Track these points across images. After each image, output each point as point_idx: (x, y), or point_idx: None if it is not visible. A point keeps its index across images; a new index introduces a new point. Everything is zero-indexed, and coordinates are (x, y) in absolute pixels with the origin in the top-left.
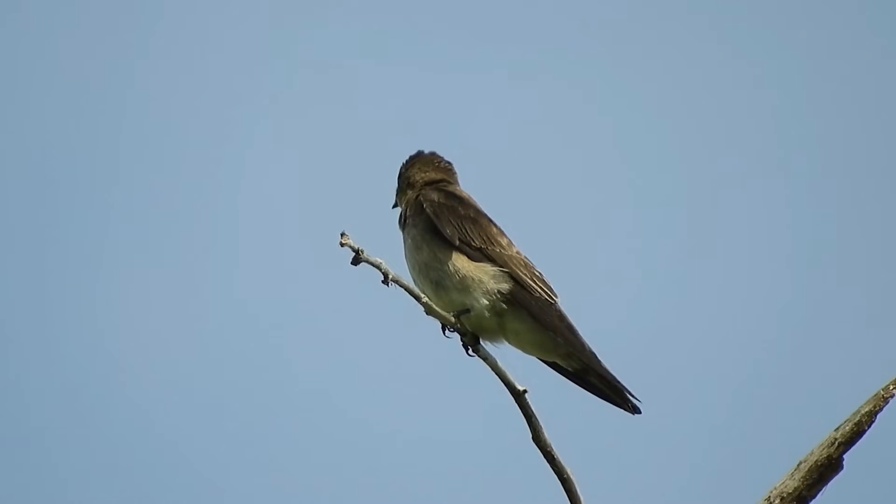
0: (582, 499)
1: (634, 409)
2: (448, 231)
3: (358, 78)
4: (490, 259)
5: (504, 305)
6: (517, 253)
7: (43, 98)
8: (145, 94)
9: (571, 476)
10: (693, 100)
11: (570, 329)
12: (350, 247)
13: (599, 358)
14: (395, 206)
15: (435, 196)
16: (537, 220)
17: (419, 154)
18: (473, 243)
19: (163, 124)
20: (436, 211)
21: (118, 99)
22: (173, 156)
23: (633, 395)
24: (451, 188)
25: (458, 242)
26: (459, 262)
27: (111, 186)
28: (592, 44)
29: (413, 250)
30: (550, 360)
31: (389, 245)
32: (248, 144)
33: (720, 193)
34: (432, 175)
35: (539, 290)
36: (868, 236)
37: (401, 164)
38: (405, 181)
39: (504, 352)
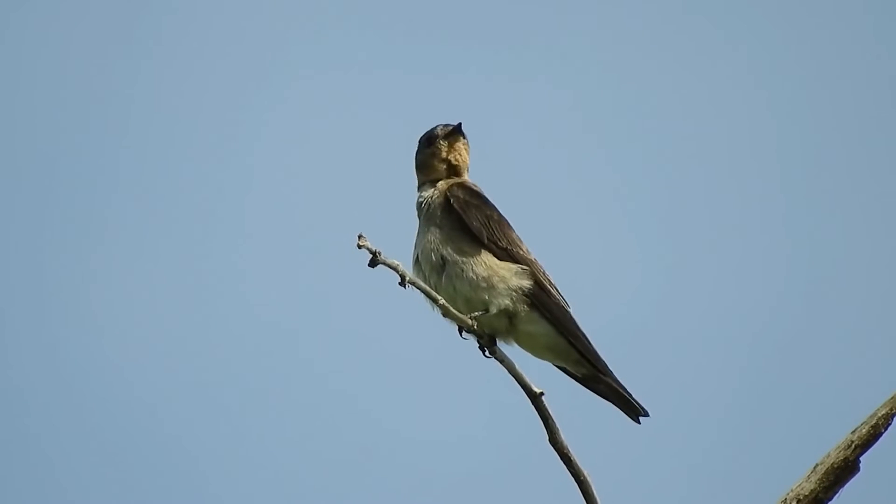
0: (599, 501)
1: (637, 417)
2: (476, 226)
3: (359, 80)
4: (514, 260)
5: (522, 305)
6: (535, 259)
7: (48, 97)
8: (149, 96)
9: (588, 478)
10: (686, 97)
11: (585, 336)
12: (367, 249)
13: (610, 368)
14: (434, 138)
15: (461, 193)
16: (532, 222)
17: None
18: (500, 243)
19: (167, 125)
20: (463, 207)
21: (122, 100)
22: (177, 157)
23: (640, 405)
24: (475, 188)
25: (486, 240)
26: (487, 259)
27: (115, 186)
28: (583, 45)
29: (437, 245)
30: (560, 364)
31: (401, 246)
32: (253, 146)
33: (716, 192)
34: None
35: (556, 294)
36: (883, 230)
37: (461, 126)
38: (459, 147)
39: (521, 354)
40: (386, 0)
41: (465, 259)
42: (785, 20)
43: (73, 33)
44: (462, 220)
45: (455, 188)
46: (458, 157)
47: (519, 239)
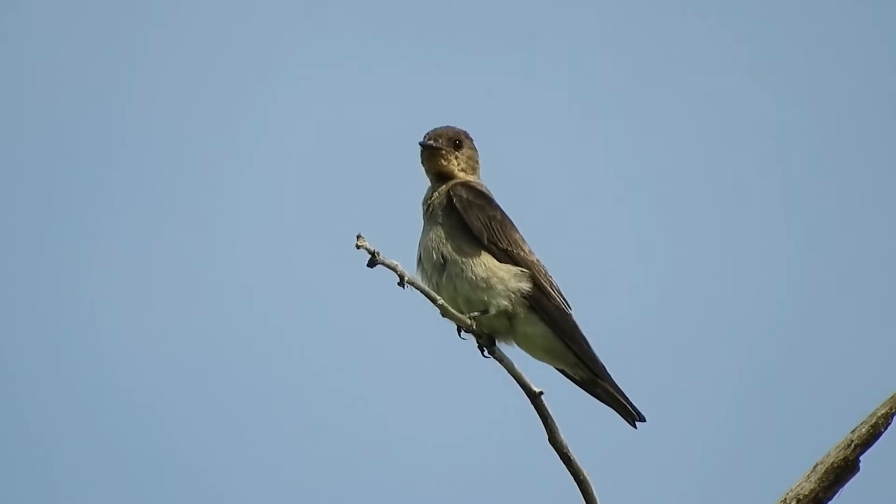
0: (598, 500)
1: (634, 423)
2: (476, 227)
3: (358, 78)
4: (514, 262)
5: (521, 307)
6: (538, 261)
7: (48, 94)
8: (149, 94)
9: (588, 477)
10: (686, 96)
11: (584, 340)
12: (366, 249)
13: (608, 372)
14: (429, 145)
15: (464, 193)
16: (531, 222)
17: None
18: (500, 244)
19: (167, 124)
20: (465, 207)
21: (122, 99)
22: (176, 156)
23: (637, 411)
24: (480, 188)
25: (486, 241)
26: (486, 260)
27: (114, 186)
28: (582, 44)
29: (438, 244)
30: (559, 367)
31: (400, 246)
32: (253, 145)
33: (717, 193)
34: (475, 175)
35: (556, 296)
36: (881, 230)
37: (462, 130)
38: (464, 150)
39: (520, 354)
40: None
41: (464, 259)
42: (785, 19)
43: (73, 30)
44: (463, 219)
45: (459, 187)
46: (426, 165)
47: (522, 239)
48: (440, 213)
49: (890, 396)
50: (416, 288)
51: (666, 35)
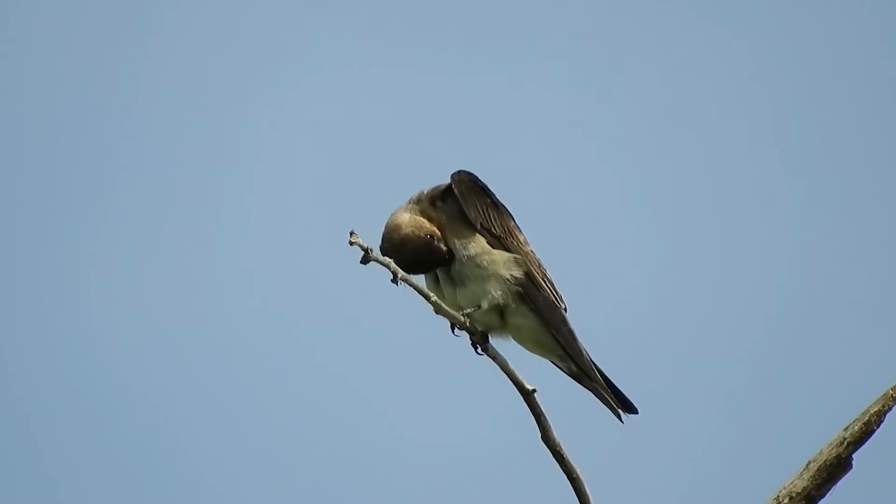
0: (591, 498)
1: (620, 417)
2: (472, 213)
3: (358, 79)
4: (507, 250)
5: (513, 296)
6: (532, 252)
7: (49, 94)
8: (150, 94)
9: (580, 476)
10: (684, 96)
11: (571, 333)
12: (359, 245)
13: (595, 368)
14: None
15: (465, 178)
16: (526, 222)
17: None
18: (494, 231)
19: (168, 124)
20: (463, 193)
21: (124, 99)
22: (178, 156)
23: (617, 408)
24: (478, 179)
25: (479, 227)
26: (477, 245)
27: (115, 186)
28: (580, 45)
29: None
30: (550, 359)
31: None
32: (254, 145)
33: (714, 192)
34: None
35: (547, 289)
36: (875, 230)
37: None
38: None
39: (513, 351)
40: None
41: (462, 241)
42: (784, 17)
43: (75, 30)
44: (459, 206)
45: (461, 173)
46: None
47: (517, 228)
48: (442, 205)
49: (883, 394)
50: (409, 285)
51: (665, 35)
